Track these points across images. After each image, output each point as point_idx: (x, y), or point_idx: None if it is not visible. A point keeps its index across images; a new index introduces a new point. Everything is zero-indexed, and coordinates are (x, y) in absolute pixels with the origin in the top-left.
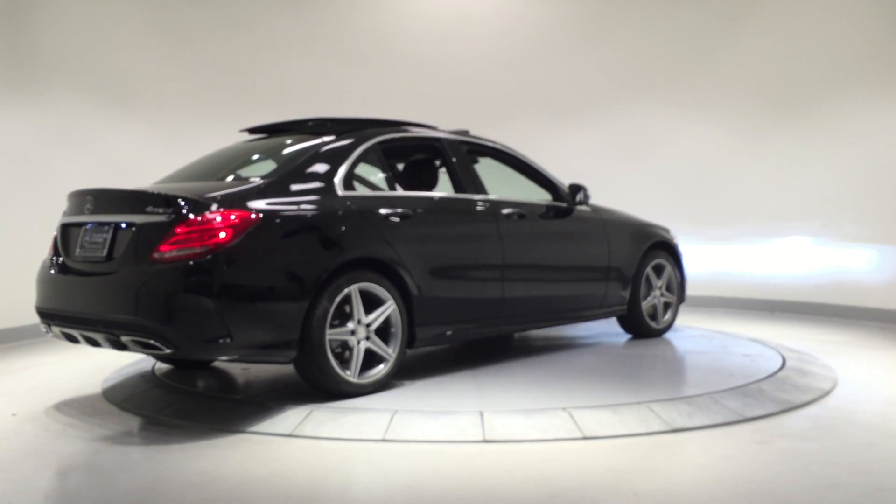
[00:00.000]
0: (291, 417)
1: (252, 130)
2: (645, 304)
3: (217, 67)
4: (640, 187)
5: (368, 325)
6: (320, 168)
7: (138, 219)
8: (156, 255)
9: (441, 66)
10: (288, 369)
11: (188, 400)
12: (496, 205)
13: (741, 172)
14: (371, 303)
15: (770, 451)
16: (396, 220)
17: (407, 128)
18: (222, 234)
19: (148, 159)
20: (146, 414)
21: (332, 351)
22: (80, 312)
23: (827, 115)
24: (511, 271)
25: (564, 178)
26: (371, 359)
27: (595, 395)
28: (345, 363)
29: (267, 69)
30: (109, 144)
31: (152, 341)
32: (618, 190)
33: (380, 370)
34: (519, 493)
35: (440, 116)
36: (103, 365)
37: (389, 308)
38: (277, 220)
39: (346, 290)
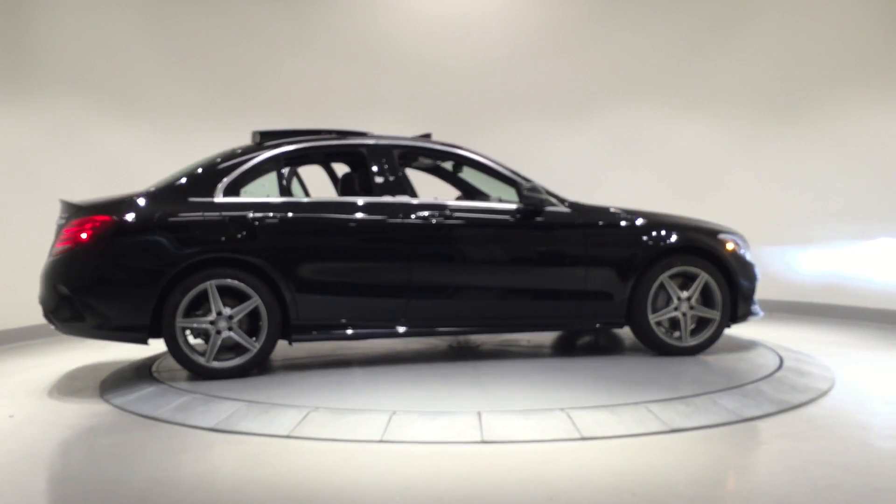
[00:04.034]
0: (289, 418)
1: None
2: (654, 318)
3: (217, 70)
4: (638, 189)
5: (231, 318)
6: (205, 176)
7: (59, 222)
8: (53, 251)
9: (440, 68)
10: (288, 372)
11: (186, 400)
12: (409, 208)
13: (738, 174)
14: (245, 298)
15: (768, 451)
16: (271, 223)
17: (338, 136)
18: (83, 235)
19: (148, 163)
20: (144, 414)
21: (196, 336)
22: None
23: (824, 117)
24: (421, 275)
25: (562, 180)
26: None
27: (593, 396)
28: (230, 349)
29: (267, 72)
30: (109, 148)
31: (49, 321)
32: (616, 192)
33: (237, 359)
34: (517, 494)
35: (439, 118)
36: (101, 366)
37: (254, 304)
38: (134, 224)
39: (201, 286)
